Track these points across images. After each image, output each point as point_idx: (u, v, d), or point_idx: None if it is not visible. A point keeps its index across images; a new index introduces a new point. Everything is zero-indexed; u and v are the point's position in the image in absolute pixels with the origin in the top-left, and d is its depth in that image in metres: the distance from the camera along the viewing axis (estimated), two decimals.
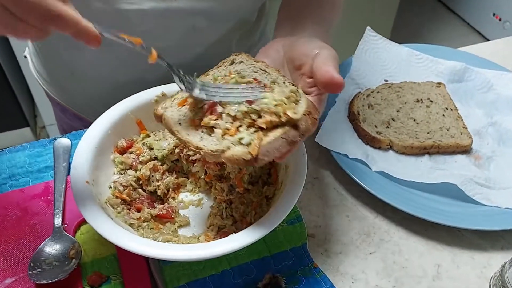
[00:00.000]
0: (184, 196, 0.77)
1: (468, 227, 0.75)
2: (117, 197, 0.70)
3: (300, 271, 0.70)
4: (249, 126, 0.59)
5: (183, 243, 0.68)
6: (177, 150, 0.75)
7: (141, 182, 0.74)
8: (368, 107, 0.95)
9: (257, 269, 0.70)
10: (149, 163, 0.74)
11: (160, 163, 0.76)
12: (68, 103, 1.01)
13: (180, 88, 0.62)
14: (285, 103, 0.59)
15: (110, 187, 0.72)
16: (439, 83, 1.00)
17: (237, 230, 0.68)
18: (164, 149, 0.75)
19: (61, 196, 0.74)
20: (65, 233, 0.70)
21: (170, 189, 0.76)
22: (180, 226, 0.72)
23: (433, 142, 0.86)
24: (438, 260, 0.74)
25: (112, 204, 0.69)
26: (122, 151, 0.76)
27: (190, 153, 0.75)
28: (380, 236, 0.77)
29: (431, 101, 0.96)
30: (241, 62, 0.69)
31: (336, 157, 0.83)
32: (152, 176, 0.74)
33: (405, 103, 0.95)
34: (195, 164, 0.75)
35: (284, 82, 0.63)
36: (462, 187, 0.78)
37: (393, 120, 0.92)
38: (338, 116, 0.93)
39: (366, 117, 0.92)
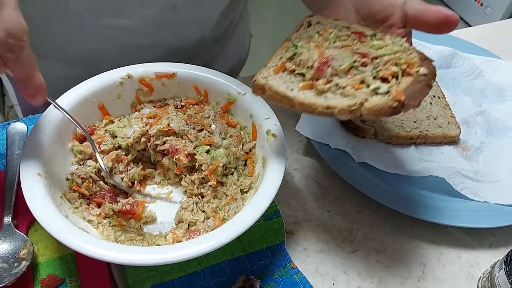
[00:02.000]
0: (151, 189, 0.71)
1: (455, 224, 0.71)
2: (74, 190, 0.63)
3: (277, 272, 0.65)
4: (374, 78, 0.56)
5: (148, 243, 0.62)
6: (143, 139, 0.68)
7: (102, 173, 0.66)
8: None
9: (230, 270, 0.64)
10: (111, 152, 0.67)
11: (124, 153, 0.69)
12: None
13: None
14: (403, 52, 0.58)
15: (67, 179, 0.65)
16: None
17: (208, 228, 0.63)
18: (128, 138, 0.68)
19: (13, 188, 0.66)
20: (16, 230, 0.62)
21: (136, 182, 0.69)
22: (145, 223, 0.66)
23: (420, 132, 0.81)
24: (423, 259, 0.69)
25: (69, 199, 0.62)
26: (82, 139, 0.68)
27: (158, 142, 0.68)
28: (363, 233, 0.72)
29: None
30: (319, 23, 0.66)
31: (317, 148, 0.77)
32: (115, 167, 0.67)
33: None
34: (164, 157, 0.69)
35: (377, 34, 0.61)
36: (450, 181, 0.74)
37: None
38: None
39: None
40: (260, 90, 0.60)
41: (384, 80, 0.56)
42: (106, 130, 0.69)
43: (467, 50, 1.00)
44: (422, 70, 0.56)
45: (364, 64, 0.58)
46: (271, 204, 0.68)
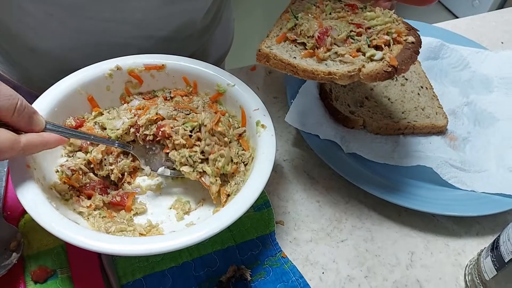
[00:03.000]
0: (141, 180, 0.71)
1: (442, 213, 0.72)
2: (64, 182, 0.63)
3: (267, 262, 0.65)
4: (368, 47, 0.63)
5: (139, 233, 0.62)
6: (132, 130, 0.68)
7: (92, 165, 0.66)
8: (341, 85, 0.89)
9: (220, 260, 0.65)
10: (101, 144, 0.67)
11: None
12: (22, 80, 0.92)
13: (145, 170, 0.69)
14: (392, 22, 0.65)
15: (56, 171, 0.64)
16: None
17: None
18: (118, 129, 0.68)
19: (2, 180, 0.66)
20: (6, 222, 0.62)
21: (126, 173, 0.69)
22: (136, 214, 0.66)
23: (408, 122, 0.82)
24: (411, 247, 0.70)
25: (59, 191, 0.62)
26: None
27: (147, 132, 0.68)
28: (352, 222, 0.72)
29: (406, 79, 0.91)
30: None
31: (306, 138, 0.78)
32: (105, 159, 0.67)
33: None
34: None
35: (366, 7, 0.68)
36: (437, 170, 0.74)
37: (367, 99, 0.87)
38: (309, 94, 0.87)
39: (339, 96, 0.87)
40: (264, 58, 0.64)
41: (378, 47, 0.62)
42: (95, 122, 0.69)
43: (455, 42, 1.01)
44: (410, 38, 0.63)
45: (359, 34, 0.64)
46: (261, 195, 0.68)
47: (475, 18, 1.19)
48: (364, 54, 0.62)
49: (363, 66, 0.61)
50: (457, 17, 2.81)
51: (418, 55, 0.63)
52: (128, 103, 0.73)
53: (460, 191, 0.75)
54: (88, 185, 0.65)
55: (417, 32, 0.66)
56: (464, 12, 2.89)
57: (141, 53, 0.74)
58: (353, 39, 0.64)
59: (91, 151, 0.66)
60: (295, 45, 0.66)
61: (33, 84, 0.92)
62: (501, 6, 2.74)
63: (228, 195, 0.66)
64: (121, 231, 0.61)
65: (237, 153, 0.68)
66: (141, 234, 0.62)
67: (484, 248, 0.64)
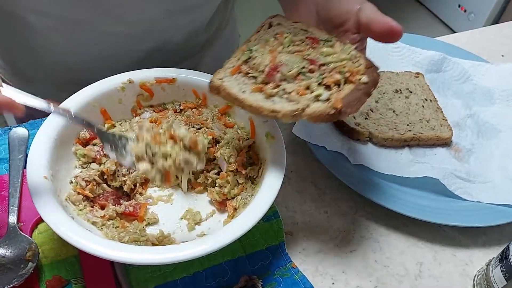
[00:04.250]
0: (153, 191, 0.72)
1: (449, 223, 0.73)
2: (79, 193, 0.64)
3: (277, 272, 0.66)
4: (318, 85, 0.60)
5: (152, 243, 0.63)
6: None
7: (105, 176, 0.68)
8: None
9: (231, 270, 0.65)
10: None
11: None
12: (25, 88, 0.93)
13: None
14: (349, 60, 0.61)
15: (71, 182, 0.65)
16: (418, 73, 0.97)
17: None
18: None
19: (16, 191, 0.67)
20: (21, 232, 0.63)
21: (138, 184, 0.70)
22: (148, 224, 0.67)
23: (413, 134, 0.83)
24: (419, 258, 0.71)
25: (73, 201, 0.63)
26: (85, 143, 0.69)
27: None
28: (360, 233, 0.73)
29: (410, 92, 0.93)
30: (279, 24, 0.69)
31: (313, 150, 0.79)
32: (118, 170, 0.68)
33: (384, 93, 0.92)
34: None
35: (331, 40, 0.64)
36: (444, 181, 0.76)
37: (372, 111, 0.88)
38: None
39: None
40: (215, 90, 0.63)
41: (328, 87, 0.59)
42: None
43: (456, 55, 1.03)
44: (364, 78, 0.59)
45: (311, 71, 0.61)
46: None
47: (475, 32, 1.21)
48: (312, 93, 0.60)
49: (308, 106, 0.58)
50: (453, 31, 2.85)
51: (369, 96, 0.60)
52: (139, 115, 0.75)
53: (466, 202, 0.76)
54: (101, 195, 0.66)
55: (377, 70, 0.63)
56: (460, 26, 2.93)
57: (140, 65, 0.75)
58: (305, 76, 0.61)
59: (105, 162, 0.67)
60: (248, 78, 0.63)
61: (35, 91, 0.93)
62: (497, 20, 2.78)
63: (235, 209, 0.67)
64: (134, 241, 0.62)
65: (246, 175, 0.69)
66: (153, 244, 0.63)
67: (493, 258, 0.65)
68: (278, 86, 0.61)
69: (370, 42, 1.01)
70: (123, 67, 0.75)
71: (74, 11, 0.75)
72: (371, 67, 0.61)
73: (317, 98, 0.58)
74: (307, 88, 0.60)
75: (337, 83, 0.59)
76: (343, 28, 0.66)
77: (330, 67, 0.61)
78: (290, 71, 0.61)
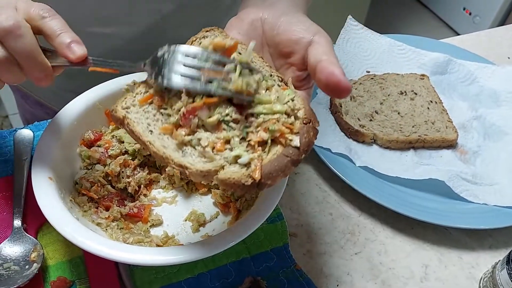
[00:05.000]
0: (157, 193, 0.72)
1: (455, 226, 0.72)
2: (83, 194, 0.64)
3: (282, 274, 0.66)
4: (242, 140, 0.49)
5: (156, 245, 0.63)
6: None
7: (110, 178, 0.68)
8: (351, 99, 0.91)
9: (236, 271, 0.65)
10: (119, 157, 0.68)
11: (131, 158, 0.69)
12: (30, 89, 0.94)
13: (158, 82, 0.51)
14: (283, 114, 0.50)
15: (75, 183, 0.66)
16: (423, 75, 0.97)
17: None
18: (136, 143, 0.69)
19: (21, 193, 0.67)
20: (26, 233, 0.63)
21: (142, 186, 0.70)
22: (152, 226, 0.67)
23: (419, 136, 0.83)
24: (425, 260, 0.71)
25: (78, 202, 0.63)
26: (89, 144, 0.69)
27: None
28: (365, 235, 0.73)
29: (415, 94, 0.92)
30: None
31: (318, 152, 0.79)
32: (123, 171, 0.68)
33: (389, 95, 0.92)
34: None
35: (271, 75, 0.54)
36: (449, 183, 0.75)
37: (377, 113, 0.88)
38: (320, 108, 0.89)
39: (349, 110, 0.88)
40: (118, 122, 0.52)
41: (252, 146, 0.49)
42: (113, 136, 0.70)
43: (462, 57, 1.02)
44: (295, 141, 0.48)
45: (236, 121, 0.50)
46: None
47: (481, 34, 1.20)
48: (231, 150, 0.49)
49: (223, 167, 0.47)
50: (458, 34, 2.84)
51: (296, 166, 0.48)
52: None
53: (472, 204, 0.76)
54: (106, 197, 0.66)
55: (316, 127, 0.51)
56: (465, 29, 2.92)
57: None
58: (228, 126, 0.49)
59: (109, 163, 0.68)
60: (161, 114, 0.51)
61: (41, 93, 0.94)
62: (502, 23, 2.77)
63: (239, 210, 0.67)
64: (138, 242, 0.62)
65: None
66: (158, 245, 0.63)
67: (499, 260, 0.65)
68: (193, 132, 0.49)
69: (375, 42, 1.02)
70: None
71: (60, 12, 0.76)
72: (309, 122, 0.50)
73: (235, 160, 0.48)
74: (228, 142, 0.49)
75: (262, 144, 0.49)
76: (290, 60, 0.57)
77: (258, 121, 0.49)
78: (210, 117, 0.49)
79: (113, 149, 0.69)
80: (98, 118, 0.71)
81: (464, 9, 2.98)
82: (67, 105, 0.68)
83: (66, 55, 0.52)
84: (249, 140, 0.49)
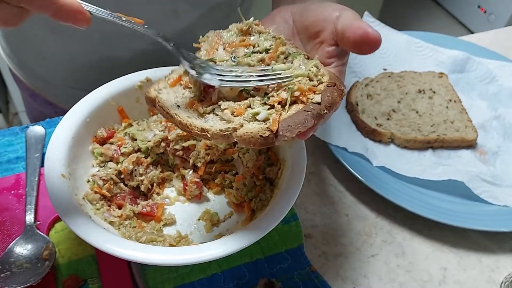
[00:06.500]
0: (170, 191, 0.70)
1: (474, 228, 0.70)
2: (96, 192, 0.63)
3: (296, 275, 0.64)
4: (262, 104, 0.51)
5: (169, 244, 0.62)
6: (163, 144, 0.68)
7: (122, 176, 0.67)
8: (367, 97, 0.89)
9: (249, 273, 0.64)
10: (132, 155, 0.67)
11: (144, 156, 0.69)
12: (39, 87, 0.94)
13: (190, 74, 0.53)
14: (306, 77, 0.51)
15: (88, 181, 0.65)
16: (441, 73, 0.95)
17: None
18: (149, 141, 0.68)
19: (33, 190, 0.67)
20: (38, 231, 0.63)
21: (155, 184, 0.69)
22: (165, 225, 0.66)
23: (437, 136, 0.81)
24: (443, 263, 0.69)
25: (90, 200, 0.62)
26: (102, 142, 0.69)
27: (177, 147, 0.68)
28: (382, 237, 0.71)
29: (434, 92, 0.90)
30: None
31: (334, 151, 0.77)
32: (135, 169, 0.67)
33: (406, 93, 0.90)
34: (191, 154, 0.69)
35: (297, 53, 0.56)
36: (469, 184, 0.73)
37: (394, 111, 0.86)
38: None
39: (365, 108, 0.86)
40: (151, 102, 0.56)
41: (273, 107, 0.51)
42: (125, 133, 0.69)
43: (480, 55, 1.00)
44: (316, 97, 0.50)
45: (257, 89, 0.53)
46: None
47: (499, 31, 1.18)
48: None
49: (242, 125, 0.49)
50: (472, 32, 2.80)
51: (319, 120, 0.49)
52: (156, 114, 0.74)
53: (492, 206, 0.74)
54: (118, 195, 0.65)
55: (342, 90, 0.52)
56: (480, 27, 2.89)
57: (144, 64, 0.74)
58: (249, 94, 0.52)
59: (122, 161, 0.67)
60: (189, 92, 0.56)
61: (48, 91, 0.93)
62: None
63: (253, 210, 0.65)
64: (151, 241, 0.61)
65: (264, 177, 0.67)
66: (171, 245, 0.62)
67: None
68: (214, 103, 0.53)
69: (392, 39, 1.00)
70: (127, 67, 0.74)
71: None
72: (333, 85, 0.52)
73: (254, 118, 0.50)
74: (249, 107, 0.52)
75: (283, 103, 0.50)
76: (319, 39, 0.57)
77: (278, 84, 0.52)
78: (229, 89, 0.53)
79: (125, 147, 0.68)
80: (111, 115, 0.70)
81: (478, 7, 2.94)
82: (79, 101, 0.67)
83: None
84: (269, 105, 0.50)
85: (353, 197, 0.76)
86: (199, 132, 0.51)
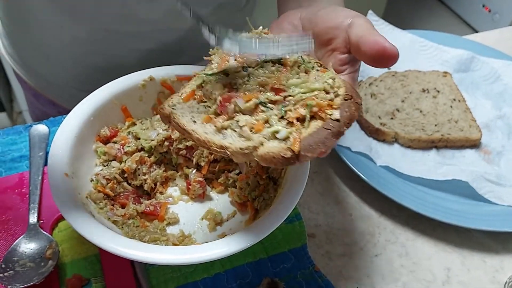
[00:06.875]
0: (173, 190, 0.70)
1: (478, 228, 0.70)
2: (99, 191, 0.63)
3: (300, 275, 0.64)
4: (280, 119, 0.49)
5: (172, 243, 0.62)
6: (166, 143, 0.68)
7: (126, 175, 0.67)
8: (371, 96, 0.89)
9: (253, 272, 0.64)
10: (135, 154, 0.67)
11: (147, 155, 0.68)
12: (42, 87, 0.94)
13: (210, 42, 0.52)
14: (322, 90, 0.50)
15: (91, 180, 0.65)
16: (445, 73, 0.94)
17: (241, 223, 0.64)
18: (152, 140, 0.68)
19: (37, 189, 0.67)
20: (41, 230, 0.63)
21: (158, 183, 0.69)
22: (168, 224, 0.66)
23: (441, 135, 0.81)
24: (447, 263, 0.69)
25: (94, 199, 0.62)
26: (105, 140, 0.68)
27: (181, 146, 0.68)
28: (385, 236, 0.71)
29: (438, 91, 0.90)
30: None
31: (338, 150, 0.77)
32: (139, 169, 0.67)
33: (410, 93, 0.90)
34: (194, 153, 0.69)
35: (310, 62, 0.55)
36: (473, 184, 0.73)
37: (398, 111, 0.86)
38: None
39: (369, 107, 0.86)
40: (166, 119, 0.55)
41: (291, 123, 0.49)
42: (129, 132, 0.69)
43: (485, 54, 1.00)
44: (335, 114, 0.48)
45: (274, 102, 0.51)
46: None
47: (504, 30, 1.17)
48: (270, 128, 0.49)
49: (262, 144, 0.48)
50: (476, 32, 2.79)
51: (338, 138, 0.48)
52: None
53: (496, 206, 0.73)
54: (122, 194, 0.65)
55: (359, 102, 0.51)
56: (484, 26, 2.87)
57: (147, 64, 0.74)
58: (266, 107, 0.50)
59: (126, 160, 0.67)
60: (204, 106, 0.54)
61: (51, 91, 0.94)
62: None
63: (256, 210, 0.65)
64: (154, 240, 0.61)
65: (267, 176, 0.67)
66: (174, 244, 0.62)
67: None
68: (231, 118, 0.51)
69: (396, 38, 1.00)
70: (129, 67, 0.74)
71: (80, 10, 0.75)
72: (350, 98, 0.50)
73: (274, 136, 0.48)
74: (266, 122, 0.50)
75: (301, 119, 0.49)
76: (331, 46, 0.56)
77: (296, 98, 0.50)
78: (246, 103, 0.51)
79: (129, 146, 0.68)
80: (114, 114, 0.70)
81: (483, 6, 2.93)
82: (83, 100, 0.67)
83: None
84: (288, 119, 0.49)
85: (357, 197, 0.76)
86: (218, 149, 0.49)
